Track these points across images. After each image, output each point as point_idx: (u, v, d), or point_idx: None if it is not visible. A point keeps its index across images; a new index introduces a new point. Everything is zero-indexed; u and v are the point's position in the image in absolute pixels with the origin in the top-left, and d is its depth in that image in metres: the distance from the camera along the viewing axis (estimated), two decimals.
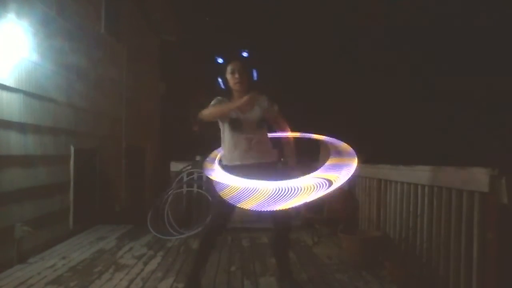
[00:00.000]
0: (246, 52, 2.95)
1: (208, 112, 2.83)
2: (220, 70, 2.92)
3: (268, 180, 2.40)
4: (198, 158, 5.35)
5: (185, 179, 5.28)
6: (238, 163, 2.83)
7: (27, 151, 3.90)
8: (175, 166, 5.46)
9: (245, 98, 2.64)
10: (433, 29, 10.87)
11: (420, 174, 3.14)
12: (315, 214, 4.66)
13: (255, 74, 2.93)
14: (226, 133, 2.89)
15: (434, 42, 11.06)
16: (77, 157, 4.86)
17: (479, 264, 2.43)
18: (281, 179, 2.40)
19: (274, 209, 2.33)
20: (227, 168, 2.81)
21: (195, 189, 5.25)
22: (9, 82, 3.61)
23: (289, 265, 3.08)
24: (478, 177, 2.40)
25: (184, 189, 5.28)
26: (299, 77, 11.58)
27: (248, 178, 2.49)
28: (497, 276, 2.30)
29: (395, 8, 10.98)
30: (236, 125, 2.83)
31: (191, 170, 5.32)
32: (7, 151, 3.59)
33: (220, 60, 2.94)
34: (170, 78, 9.92)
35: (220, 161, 2.92)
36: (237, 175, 2.64)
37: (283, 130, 2.95)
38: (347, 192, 4.97)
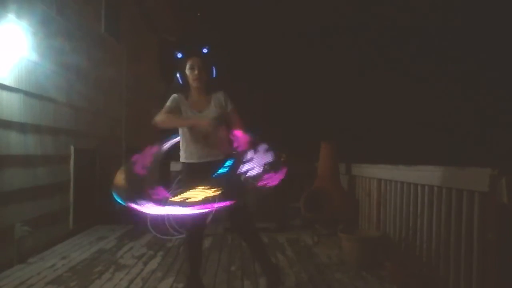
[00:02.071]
0: (206, 48, 2.92)
1: (161, 120, 2.78)
2: (180, 65, 2.88)
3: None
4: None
5: None
6: (195, 161, 2.81)
7: (27, 151, 3.90)
8: (175, 166, 5.45)
9: (207, 122, 2.65)
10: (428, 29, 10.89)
11: (420, 174, 3.14)
12: (315, 214, 4.66)
13: (214, 71, 2.90)
14: (183, 131, 2.84)
15: (431, 42, 11.07)
16: (77, 157, 4.86)
17: (479, 264, 2.43)
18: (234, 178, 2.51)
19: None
20: (185, 165, 2.84)
21: None
22: (9, 81, 3.61)
23: (276, 271, 2.92)
24: (478, 177, 2.40)
25: None
26: (293, 72, 11.58)
27: (204, 176, 2.58)
28: (497, 276, 2.30)
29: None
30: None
31: None
32: (7, 151, 3.59)
33: (179, 55, 2.91)
34: (170, 78, 9.91)
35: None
36: (194, 172, 2.75)
37: (236, 129, 2.76)
38: (347, 192, 4.97)
